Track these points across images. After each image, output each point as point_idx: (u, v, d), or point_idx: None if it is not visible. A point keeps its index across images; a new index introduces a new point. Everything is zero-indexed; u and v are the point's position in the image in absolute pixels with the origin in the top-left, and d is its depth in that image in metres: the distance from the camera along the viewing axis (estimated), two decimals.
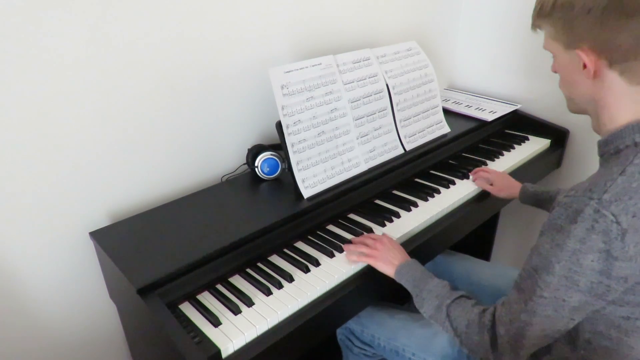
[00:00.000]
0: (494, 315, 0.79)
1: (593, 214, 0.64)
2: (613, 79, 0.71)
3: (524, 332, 0.73)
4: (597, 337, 0.73)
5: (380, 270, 0.96)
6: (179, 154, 1.16)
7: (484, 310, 0.81)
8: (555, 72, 0.80)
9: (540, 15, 0.76)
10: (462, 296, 0.86)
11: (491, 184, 1.27)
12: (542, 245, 0.71)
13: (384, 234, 1.03)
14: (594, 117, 0.78)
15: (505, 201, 1.37)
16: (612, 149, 0.72)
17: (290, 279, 0.94)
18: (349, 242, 1.04)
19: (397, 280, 0.94)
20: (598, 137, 0.77)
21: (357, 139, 1.22)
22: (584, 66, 0.72)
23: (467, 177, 1.33)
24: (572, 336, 0.76)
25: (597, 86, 0.73)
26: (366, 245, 0.99)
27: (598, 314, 0.71)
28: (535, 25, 0.79)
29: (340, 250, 1.03)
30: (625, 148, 0.70)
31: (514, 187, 1.27)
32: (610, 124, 0.73)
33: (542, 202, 1.22)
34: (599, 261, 0.65)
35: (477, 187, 1.29)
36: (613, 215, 0.63)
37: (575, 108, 0.81)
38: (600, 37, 0.68)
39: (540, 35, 0.79)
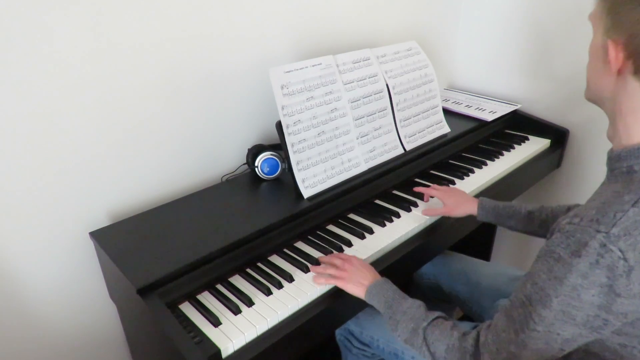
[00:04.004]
0: (477, 340, 0.74)
1: (599, 249, 0.59)
2: (635, 87, 0.65)
3: None
4: (591, 358, 0.70)
5: (349, 292, 0.91)
6: (179, 154, 1.16)
7: (464, 334, 0.77)
8: None
9: None
10: (438, 317, 0.82)
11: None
12: (538, 275, 0.66)
13: (352, 256, 0.98)
14: (610, 119, 0.72)
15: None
16: (624, 167, 0.67)
17: (290, 279, 0.94)
18: (348, 242, 1.05)
19: (368, 302, 0.89)
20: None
21: (357, 139, 1.22)
22: (609, 61, 0.66)
23: (468, 176, 1.33)
24: (564, 355, 0.72)
25: (619, 86, 0.67)
26: (334, 265, 0.93)
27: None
28: None
29: (340, 250, 1.03)
30: None
31: (468, 203, 1.13)
32: (626, 137, 0.68)
33: (503, 218, 1.11)
34: (600, 296, 0.61)
35: (478, 186, 1.29)
36: (620, 251, 0.59)
37: (590, 96, 0.75)
38: (638, 37, 0.62)
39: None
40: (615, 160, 0.69)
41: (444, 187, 1.19)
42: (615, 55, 0.65)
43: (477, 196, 1.27)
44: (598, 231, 0.60)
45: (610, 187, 0.68)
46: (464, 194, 1.17)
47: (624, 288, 0.60)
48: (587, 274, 0.60)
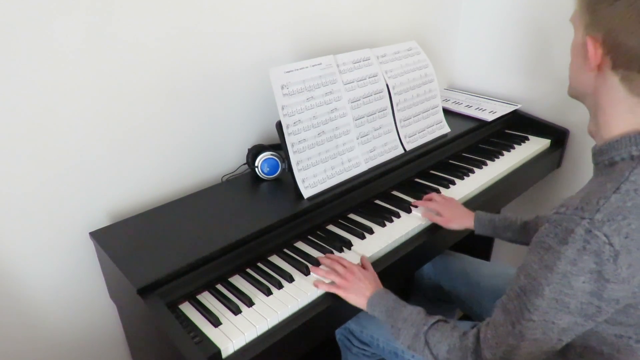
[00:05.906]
0: (477, 338, 0.75)
1: (584, 235, 0.61)
2: (614, 82, 0.67)
3: (511, 356, 0.70)
4: (589, 352, 0.71)
5: (351, 302, 0.91)
6: (179, 154, 1.16)
7: (464, 333, 0.78)
8: None
9: None
10: (439, 321, 0.83)
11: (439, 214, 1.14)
12: (530, 265, 0.68)
13: (354, 265, 0.96)
14: (591, 114, 0.74)
15: (503, 201, 1.33)
16: (606, 159, 0.70)
17: (290, 279, 0.94)
18: (349, 242, 1.04)
19: (370, 312, 0.90)
20: None
21: (357, 139, 1.22)
22: (589, 57, 0.68)
23: (468, 176, 1.33)
24: (563, 349, 0.73)
25: (599, 82, 0.69)
26: (336, 272, 0.93)
27: (590, 330, 0.68)
28: None
29: (340, 251, 1.03)
30: (620, 161, 0.67)
31: (465, 217, 1.14)
32: (607, 131, 0.70)
33: (500, 230, 1.13)
34: (590, 282, 0.62)
35: (478, 186, 1.29)
36: (605, 236, 0.60)
37: (573, 93, 0.77)
38: (614, 33, 0.64)
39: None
40: (598, 154, 0.72)
41: (441, 200, 1.17)
42: (594, 51, 0.67)
43: (480, 195, 1.27)
44: (582, 218, 0.62)
45: (596, 180, 0.70)
46: (460, 207, 1.17)
47: (613, 273, 0.61)
48: (576, 260, 0.62)
